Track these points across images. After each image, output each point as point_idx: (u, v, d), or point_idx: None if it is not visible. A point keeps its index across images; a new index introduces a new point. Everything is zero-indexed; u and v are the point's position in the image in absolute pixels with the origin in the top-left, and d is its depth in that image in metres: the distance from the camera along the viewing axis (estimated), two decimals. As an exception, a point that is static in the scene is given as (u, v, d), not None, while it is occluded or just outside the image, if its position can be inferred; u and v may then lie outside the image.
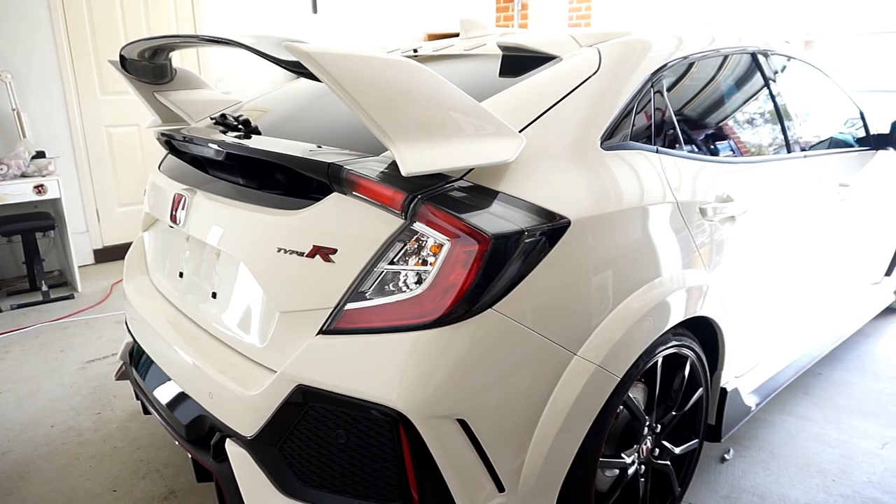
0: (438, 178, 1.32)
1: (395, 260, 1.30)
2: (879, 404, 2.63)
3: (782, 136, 2.24)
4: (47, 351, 3.26)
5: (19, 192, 3.86)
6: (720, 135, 2.02)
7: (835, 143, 2.62)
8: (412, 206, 1.27)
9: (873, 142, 2.78)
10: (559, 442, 1.38)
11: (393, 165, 1.34)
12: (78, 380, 2.92)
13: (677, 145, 1.77)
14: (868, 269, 2.95)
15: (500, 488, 1.35)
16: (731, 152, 2.02)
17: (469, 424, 1.28)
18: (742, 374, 2.10)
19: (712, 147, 1.94)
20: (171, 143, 1.93)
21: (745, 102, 2.16)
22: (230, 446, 1.47)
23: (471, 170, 1.35)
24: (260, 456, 1.42)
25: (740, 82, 2.16)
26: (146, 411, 1.98)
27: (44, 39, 4.28)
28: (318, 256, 1.34)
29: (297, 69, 1.27)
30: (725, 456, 2.26)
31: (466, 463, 1.30)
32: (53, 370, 3.03)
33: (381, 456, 1.30)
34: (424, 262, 1.28)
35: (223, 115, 1.86)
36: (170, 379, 1.74)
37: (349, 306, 1.31)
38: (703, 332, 1.82)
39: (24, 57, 4.22)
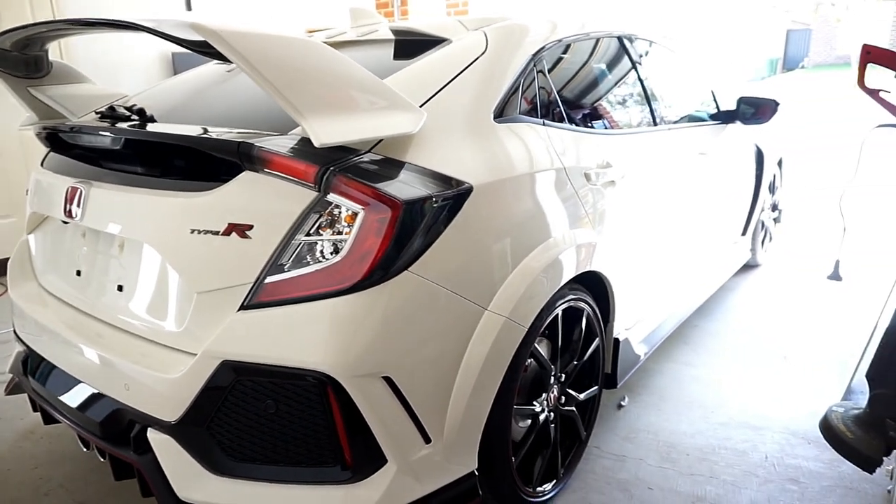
0: (348, 152, 1.38)
1: (311, 231, 1.35)
2: (745, 346, 3.00)
3: (649, 111, 2.50)
4: (-88, 381, 2.94)
5: None
6: (597, 110, 2.23)
7: (693, 119, 2.95)
8: (325, 177, 1.32)
9: (723, 117, 3.14)
10: (477, 390, 1.50)
11: (302, 142, 1.39)
12: (-46, 406, 2.67)
13: (560, 119, 1.95)
14: (728, 230, 3.33)
15: (427, 439, 1.44)
16: (608, 125, 2.24)
17: (394, 381, 1.36)
18: (631, 326, 2.33)
19: (591, 121, 2.14)
20: (52, 139, 1.84)
21: (616, 81, 2.40)
22: (152, 435, 1.46)
23: (378, 143, 1.43)
24: (186, 439, 1.42)
25: (611, 63, 2.39)
26: (47, 420, 1.88)
27: None
28: (233, 234, 1.37)
29: (204, 49, 1.29)
30: (622, 403, 2.50)
31: (394, 418, 1.38)
32: (-78, 399, 2.74)
33: (311, 420, 1.35)
34: (340, 232, 1.35)
35: (111, 108, 1.81)
36: (76, 380, 1.67)
37: (269, 279, 1.35)
38: (595, 287, 2.01)
39: None
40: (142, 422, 1.49)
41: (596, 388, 2.09)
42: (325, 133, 1.27)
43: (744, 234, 3.68)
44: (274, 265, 1.35)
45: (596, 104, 2.24)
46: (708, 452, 2.18)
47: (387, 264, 1.34)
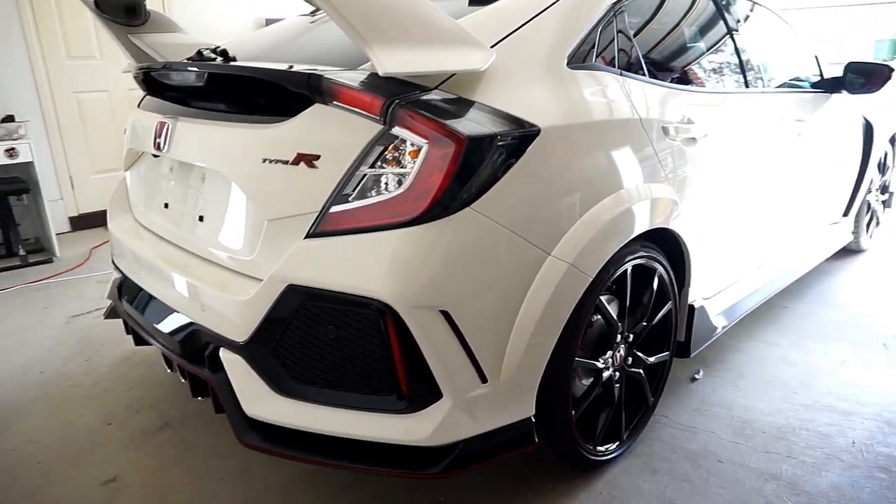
0: (415, 88, 1.38)
1: (375, 163, 1.36)
2: (840, 330, 2.78)
3: (741, 72, 2.34)
4: (31, 308, 3.27)
5: (-9, 156, 3.82)
6: (680, 65, 2.11)
7: (791, 85, 2.73)
8: (391, 110, 1.33)
9: (827, 85, 2.88)
10: (537, 336, 1.47)
11: (371, 76, 1.41)
12: (64, 333, 2.94)
13: (639, 71, 1.85)
14: (826, 209, 3.08)
15: (483, 379, 1.44)
16: (692, 82, 2.11)
17: (452, 315, 1.36)
18: (709, 296, 2.21)
19: (673, 76, 2.03)
20: (148, 81, 1.96)
21: (704, 37, 2.25)
22: (224, 354, 1.54)
23: (445, 81, 1.42)
24: (253, 359, 1.49)
25: (699, 18, 2.25)
26: (138, 342, 2.03)
27: (5, 3, 4.21)
28: (302, 164, 1.40)
29: None
30: (696, 376, 2.39)
31: (450, 353, 1.38)
32: (38, 325, 3.05)
33: (369, 348, 1.38)
34: (403, 165, 1.35)
35: (199, 52, 1.90)
36: (161, 303, 1.79)
37: (333, 209, 1.38)
38: (670, 248, 1.92)
39: (-11, 20, 4.16)
40: (215, 342, 1.58)
41: (667, 354, 2.01)
42: (390, 62, 1.27)
43: (845, 214, 3.40)
44: (338, 195, 1.38)
45: (680, 59, 2.12)
46: (787, 432, 2.05)
47: (448, 199, 1.33)
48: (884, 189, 3.84)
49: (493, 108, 1.42)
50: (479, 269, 1.39)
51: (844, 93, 2.87)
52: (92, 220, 4.75)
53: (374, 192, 1.36)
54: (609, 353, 1.79)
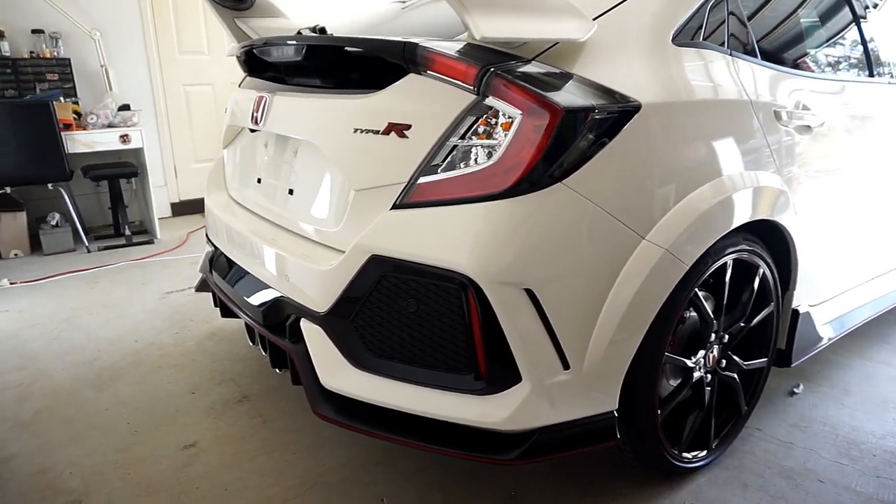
0: (511, 58, 1.34)
1: (466, 134, 1.33)
2: (966, 354, 2.49)
3: (865, 60, 2.15)
4: (130, 283, 3.48)
5: (107, 140, 4.12)
6: (797, 49, 1.95)
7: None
8: (485, 79, 1.30)
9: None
10: (625, 324, 1.39)
11: (467, 45, 1.38)
12: (158, 307, 3.11)
13: (751, 53, 1.73)
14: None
15: (566, 365, 1.37)
16: (809, 68, 1.95)
17: (536, 295, 1.31)
18: (816, 303, 2.03)
19: (788, 60, 1.88)
20: (249, 62, 2.02)
21: (826, 20, 2.08)
22: (304, 324, 1.55)
23: (543, 52, 1.37)
24: (333, 330, 1.49)
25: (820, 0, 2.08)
26: (225, 314, 2.09)
27: (129, 0, 4.53)
28: (392, 133, 1.39)
29: None
30: (795, 390, 2.20)
31: (533, 335, 1.33)
32: (136, 299, 3.23)
33: (449, 324, 1.34)
34: (495, 137, 1.31)
35: (299, 32, 1.94)
36: (249, 274, 1.84)
37: (422, 180, 1.36)
38: (776, 246, 1.77)
39: (111, 17, 4.49)
40: (296, 312, 1.59)
41: (764, 360, 1.85)
42: (486, 26, 1.23)
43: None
44: (427, 166, 1.36)
45: (796, 43, 1.96)
46: (902, 457, 1.84)
47: (540, 173, 1.28)
48: None
49: (592, 82, 1.36)
50: (567, 249, 1.33)
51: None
52: (191, 207, 5.02)
53: (463, 164, 1.33)
54: (701, 352, 1.67)
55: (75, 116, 4.13)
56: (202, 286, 2.37)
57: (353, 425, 1.47)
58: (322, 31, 1.80)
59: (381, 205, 1.42)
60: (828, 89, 1.93)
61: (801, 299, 1.92)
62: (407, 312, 1.38)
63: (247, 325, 1.87)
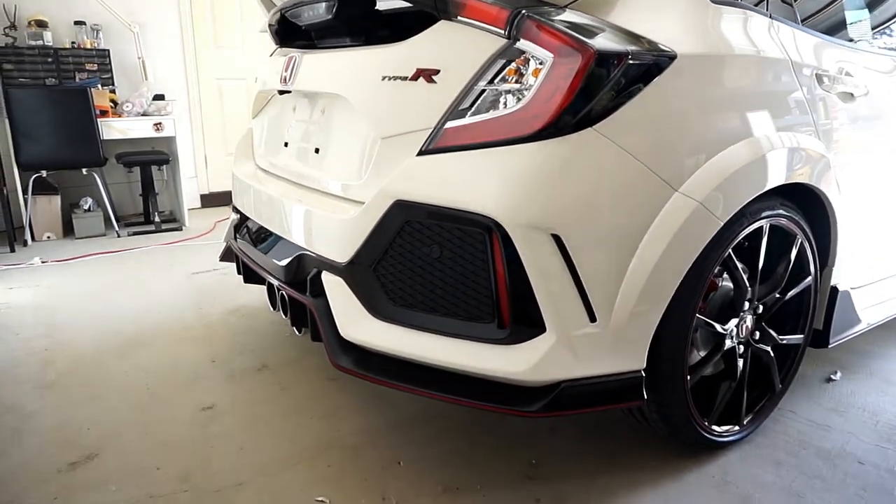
0: (544, 4, 1.32)
1: (496, 78, 1.31)
2: None
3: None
4: (158, 264, 3.52)
5: (140, 128, 4.20)
6: (840, 19, 1.90)
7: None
8: (517, 21, 1.27)
9: None
10: (655, 278, 1.34)
11: (498, -9, 1.36)
12: (184, 285, 3.13)
13: (793, 19, 1.68)
14: None
15: (592, 317, 1.32)
16: (852, 39, 1.89)
17: (564, 241, 1.27)
18: (858, 285, 1.95)
19: (831, 28, 1.83)
20: (280, 31, 2.03)
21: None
22: (326, 276, 1.53)
23: (576, 0, 1.35)
24: (354, 280, 1.47)
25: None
26: (248, 278, 2.08)
27: (168, -5, 4.65)
28: (421, 79, 1.38)
29: None
30: (832, 377, 2.11)
31: (558, 282, 1.28)
32: (163, 277, 3.26)
33: (473, 270, 1.31)
34: (525, 80, 1.29)
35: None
36: (272, 234, 1.83)
37: (449, 124, 1.34)
38: (816, 216, 1.71)
39: (150, 10, 4.60)
40: (318, 266, 1.58)
41: (801, 337, 1.78)
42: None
43: None
44: (455, 111, 1.33)
45: (839, 14, 1.90)
46: (947, 444, 1.74)
47: (570, 117, 1.25)
48: None
49: (626, 30, 1.33)
50: (596, 196, 1.29)
51: None
52: (220, 199, 5.08)
53: (492, 108, 1.31)
54: (734, 321, 1.60)
55: (112, 104, 4.22)
56: (226, 255, 2.38)
57: (372, 376, 1.44)
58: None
59: (407, 152, 1.40)
60: (873, 62, 1.87)
61: (840, 278, 1.84)
62: (430, 259, 1.35)
63: (269, 289, 1.86)
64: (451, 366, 1.36)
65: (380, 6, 1.56)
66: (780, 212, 1.57)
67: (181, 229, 4.34)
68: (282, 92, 1.96)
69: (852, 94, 1.72)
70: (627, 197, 1.31)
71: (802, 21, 1.73)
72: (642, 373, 1.40)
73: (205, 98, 4.95)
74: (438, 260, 1.34)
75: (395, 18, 1.54)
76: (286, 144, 1.96)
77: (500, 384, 1.36)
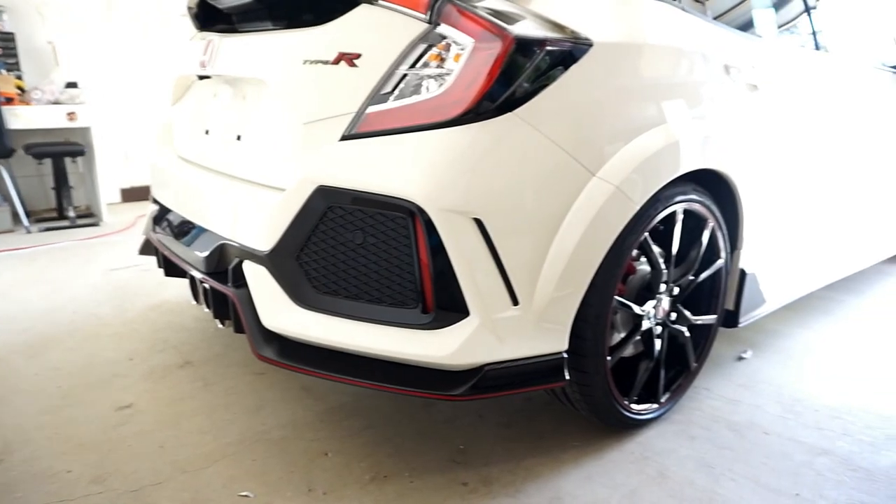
0: (464, -8, 1.33)
1: (416, 63, 1.31)
2: (903, 328, 2.58)
3: (812, 33, 2.21)
4: (72, 261, 3.33)
5: (51, 117, 3.95)
6: (747, 13, 2.00)
7: (867, 61, 2.58)
8: (437, 6, 1.28)
9: (905, 67, 2.71)
10: (575, 261, 1.38)
11: (419, -25, 1.36)
12: (101, 282, 2.97)
13: (703, 12, 1.76)
14: (893, 202, 2.88)
15: (514, 301, 1.35)
16: (758, 33, 2.00)
17: (485, 225, 1.28)
18: (763, 268, 2.07)
19: (736, 19, 1.92)
20: (201, 14, 1.96)
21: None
22: (248, 266, 1.49)
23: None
24: (276, 268, 1.43)
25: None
26: (169, 272, 2.00)
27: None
28: (342, 63, 1.36)
29: None
30: (743, 355, 2.24)
31: (481, 266, 1.30)
32: (78, 275, 3.09)
33: (396, 256, 1.31)
34: (446, 65, 1.29)
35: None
36: (192, 224, 1.77)
37: (371, 109, 1.33)
38: (724, 201, 1.80)
39: (61, -9, 4.33)
40: (240, 255, 1.53)
41: (713, 317, 1.87)
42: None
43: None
44: (377, 95, 1.33)
45: (745, 8, 2.01)
46: (842, 412, 1.88)
47: (490, 101, 1.26)
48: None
49: (545, 17, 1.36)
50: (517, 180, 1.31)
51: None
52: (142, 193, 4.85)
53: (413, 93, 1.31)
54: (651, 302, 1.67)
55: (18, 91, 3.95)
56: (146, 248, 2.27)
57: (296, 366, 1.41)
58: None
59: (329, 137, 1.38)
60: (775, 54, 1.98)
61: (748, 261, 1.95)
62: (354, 245, 1.34)
63: (191, 282, 1.79)
64: (375, 352, 1.35)
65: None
66: (693, 197, 1.65)
67: (98, 224, 4.12)
68: (202, 77, 1.89)
69: (756, 86, 1.82)
70: (547, 181, 1.34)
71: (714, 17, 1.82)
72: (564, 354, 1.44)
73: (126, 86, 4.71)
74: (362, 246, 1.33)
75: (317, 1, 1.52)
76: (207, 132, 1.89)
77: (425, 369, 1.36)
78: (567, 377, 1.45)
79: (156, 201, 2.12)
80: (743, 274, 1.94)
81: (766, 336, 2.41)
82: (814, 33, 2.21)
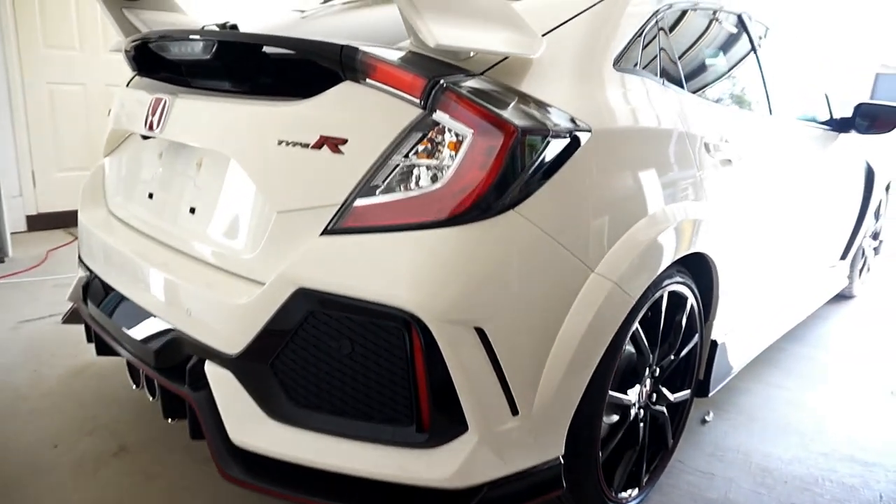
0: (459, 71, 1.23)
1: (410, 153, 1.19)
2: (842, 376, 2.68)
3: (765, 98, 2.26)
4: (-27, 310, 2.94)
5: (-54, 142, 3.50)
6: (715, 82, 2.00)
7: (805, 119, 2.67)
8: (434, 92, 1.17)
9: (836, 124, 2.84)
10: (575, 363, 1.30)
11: (411, 54, 1.25)
12: (10, 339, 2.63)
13: (679, 84, 1.74)
14: (828, 250, 3.02)
15: (514, 411, 1.25)
16: (725, 101, 2.01)
17: (487, 334, 1.18)
18: (728, 332, 2.08)
19: (709, 92, 1.92)
20: (140, 59, 1.75)
21: (734, 57, 2.16)
22: (210, 368, 1.32)
23: (492, 67, 1.27)
24: (246, 376, 1.27)
25: (730, 38, 2.16)
26: (102, 351, 1.77)
27: (-19, -18, 3.94)
28: (325, 147, 1.22)
29: None
30: (706, 418, 2.24)
31: (482, 378, 1.19)
32: (-20, 329, 2.73)
33: (389, 368, 1.18)
34: (442, 157, 1.18)
35: (203, 27, 1.71)
36: (136, 306, 1.55)
37: (359, 202, 1.19)
38: (699, 276, 1.78)
39: (-43, -1, 3.87)
40: (200, 354, 1.35)
41: (688, 391, 1.85)
42: (442, 33, 1.11)
43: (843, 258, 3.35)
44: (366, 187, 1.19)
45: (714, 76, 2.01)
46: (810, 483, 1.90)
47: (492, 199, 1.16)
48: (875, 235, 3.84)
49: (543, 102, 1.27)
50: (519, 282, 1.21)
51: (853, 133, 2.82)
52: (51, 221, 4.40)
53: (406, 186, 1.18)
54: (637, 388, 1.62)
55: None
56: (72, 318, 2.01)
57: (271, 489, 1.25)
58: (234, 27, 1.59)
59: (308, 229, 1.23)
60: (743, 123, 2.00)
61: (718, 331, 1.95)
62: (339, 355, 1.20)
63: (129, 364, 1.58)
64: (364, 475, 1.21)
65: (272, 54, 1.36)
66: (677, 278, 1.61)
67: (3, 261, 3.69)
68: (146, 137, 1.68)
69: (730, 161, 1.82)
70: (549, 281, 1.26)
71: (685, 71, 1.79)
72: (561, 459, 1.36)
73: (31, 105, 4.26)
74: (349, 356, 1.19)
75: (289, 69, 1.37)
76: (151, 196, 1.68)
77: (418, 490, 1.23)
78: (564, 485, 1.36)
79: (85, 266, 1.87)
80: (714, 344, 1.93)
81: (725, 393, 2.44)
82: (767, 95, 2.26)
